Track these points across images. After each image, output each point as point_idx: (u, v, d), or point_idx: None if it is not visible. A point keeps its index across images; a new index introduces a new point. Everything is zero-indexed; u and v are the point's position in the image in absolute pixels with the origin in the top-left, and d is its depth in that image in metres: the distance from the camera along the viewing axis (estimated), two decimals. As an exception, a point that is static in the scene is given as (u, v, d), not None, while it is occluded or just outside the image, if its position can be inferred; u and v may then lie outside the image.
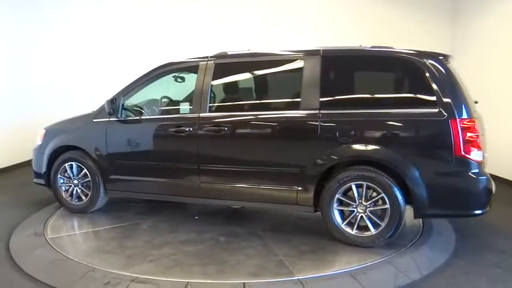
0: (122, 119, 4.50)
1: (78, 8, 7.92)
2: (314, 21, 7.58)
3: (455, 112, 3.45)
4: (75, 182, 4.73)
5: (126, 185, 4.57)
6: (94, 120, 4.62)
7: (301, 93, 3.87)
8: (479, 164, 3.49)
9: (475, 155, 3.45)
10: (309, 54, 3.93)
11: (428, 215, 3.67)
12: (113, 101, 4.40)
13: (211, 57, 4.27)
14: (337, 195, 3.71)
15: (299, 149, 3.83)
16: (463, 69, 5.65)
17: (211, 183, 4.17)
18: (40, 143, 4.95)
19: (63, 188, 4.80)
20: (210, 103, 4.17)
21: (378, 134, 3.65)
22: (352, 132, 3.65)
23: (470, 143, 3.43)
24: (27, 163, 7.21)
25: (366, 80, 3.98)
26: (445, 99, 3.49)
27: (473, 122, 3.47)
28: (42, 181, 4.94)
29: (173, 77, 4.66)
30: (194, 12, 7.77)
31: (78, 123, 4.80)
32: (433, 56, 3.66)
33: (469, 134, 3.43)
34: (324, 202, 3.77)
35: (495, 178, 5.03)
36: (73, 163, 4.71)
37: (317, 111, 3.76)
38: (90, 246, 3.90)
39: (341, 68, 3.91)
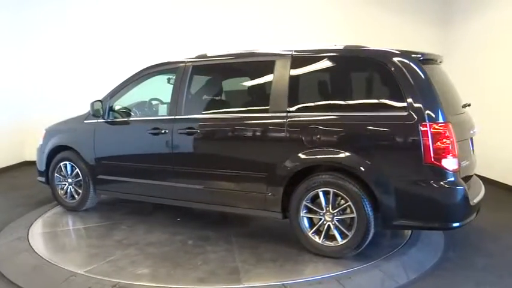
0: (109, 120, 4.60)
1: (72, 10, 7.93)
2: (308, 23, 7.47)
3: (426, 116, 3.17)
4: (69, 180, 4.91)
5: (112, 185, 4.67)
6: (85, 121, 4.77)
7: (270, 95, 3.74)
8: (454, 173, 3.18)
9: (447, 162, 3.15)
10: (280, 55, 3.79)
11: (397, 226, 3.39)
12: (97, 103, 4.50)
13: (189, 59, 4.26)
14: (304, 202, 3.54)
15: (266, 153, 3.70)
16: (455, 72, 5.53)
17: (186, 186, 4.14)
18: (41, 142, 5.19)
19: (59, 186, 4.99)
20: (185, 105, 4.14)
21: (343, 138, 3.44)
22: (318, 137, 3.47)
23: (442, 150, 3.14)
24: (17, 166, 7.67)
25: (333, 81, 3.76)
26: (414, 102, 3.21)
27: (446, 126, 3.16)
28: (43, 179, 5.17)
29: (167, 79, 4.67)
30: (192, 11, 7.75)
31: (72, 124, 4.97)
32: (405, 55, 3.40)
33: (440, 140, 3.13)
34: (291, 209, 3.61)
35: (487, 180, 5.04)
36: (67, 163, 4.89)
37: (284, 114, 3.62)
38: (62, 244, 4.02)
39: (309, 69, 3.73)
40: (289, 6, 7.62)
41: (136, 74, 4.59)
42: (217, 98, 4.40)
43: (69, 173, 4.90)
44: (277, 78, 3.71)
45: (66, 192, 4.96)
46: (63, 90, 7.95)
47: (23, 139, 7.91)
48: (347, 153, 3.38)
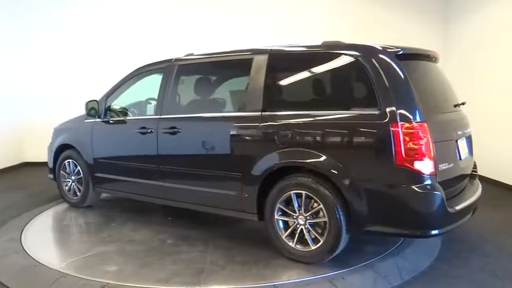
0: (105, 120, 4.71)
1: (69, 10, 7.94)
2: (308, 21, 7.33)
3: (398, 115, 2.95)
4: (73, 178, 5.08)
5: (108, 183, 4.76)
6: (85, 120, 4.91)
7: (247, 94, 3.67)
8: (428, 177, 2.94)
9: (420, 165, 2.92)
10: (259, 52, 3.69)
11: (369, 232, 3.16)
12: (91, 103, 4.63)
13: (175, 59, 4.26)
14: (278, 204, 3.42)
15: (242, 153, 3.63)
16: (455, 71, 5.87)
17: (170, 186, 4.15)
18: (51, 140, 5.41)
19: (64, 183, 5.19)
20: (169, 104, 4.15)
21: (313, 138, 3.29)
22: (289, 137, 3.35)
23: (414, 151, 2.91)
24: (16, 167, 7.79)
25: (307, 79, 3.58)
26: (387, 100, 3.01)
27: (420, 126, 2.93)
28: (52, 176, 5.39)
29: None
30: (191, 11, 7.75)
31: (74, 124, 5.13)
32: (381, 50, 3.19)
33: (412, 141, 2.91)
34: (266, 210, 3.50)
35: (485, 180, 4.98)
36: (70, 161, 5.07)
37: (259, 114, 3.52)
38: (51, 241, 4.14)
39: (284, 67, 3.61)
40: (289, 6, 7.59)
41: (129, 74, 4.67)
42: (197, 97, 4.36)
43: (72, 170, 5.08)
44: (254, 76, 3.62)
45: (69, 189, 5.14)
46: (61, 90, 7.96)
47: (22, 140, 8.03)
48: (318, 154, 3.22)
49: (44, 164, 7.18)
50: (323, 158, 3.20)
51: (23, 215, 4.80)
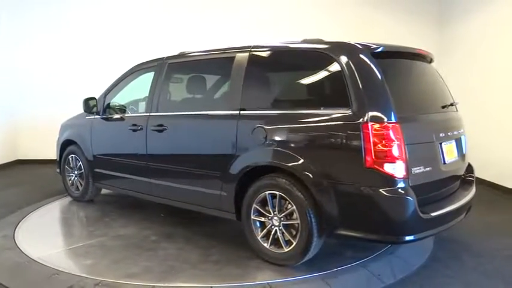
0: (103, 117, 4.81)
1: (69, 9, 7.96)
2: (299, 22, 7.25)
3: (368, 115, 2.83)
4: (75, 172, 5.23)
5: (105, 178, 4.86)
6: (86, 117, 5.04)
7: (227, 92, 3.65)
8: (399, 180, 2.80)
9: (390, 168, 2.78)
10: (241, 51, 3.65)
11: (340, 236, 3.05)
12: (88, 100, 4.74)
13: (167, 57, 4.30)
14: (254, 205, 3.37)
15: (221, 152, 3.60)
16: (450, 72, 5.93)
17: (158, 183, 4.18)
18: (58, 136, 5.59)
19: (68, 177, 5.35)
20: (158, 102, 4.18)
21: (286, 138, 3.22)
22: (264, 135, 3.29)
23: (384, 153, 2.78)
24: (10, 164, 7.81)
25: (284, 77, 3.53)
26: (359, 99, 2.89)
27: (392, 128, 2.79)
28: (58, 170, 5.57)
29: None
30: (191, 10, 7.77)
31: (78, 120, 5.27)
32: (357, 49, 3.07)
33: (382, 142, 2.78)
34: (243, 210, 3.46)
35: (479, 181, 4.80)
36: (73, 155, 5.22)
37: (237, 112, 3.49)
38: (42, 233, 4.19)
39: (262, 65, 3.55)
40: (279, 8, 7.63)
41: (125, 72, 4.76)
42: (183, 95, 4.37)
43: (75, 165, 5.22)
44: (234, 74, 3.60)
45: (72, 184, 5.30)
46: (56, 88, 7.97)
47: (16, 138, 8.07)
48: (290, 154, 3.15)
49: (37, 161, 7.38)
50: (294, 158, 3.12)
51: (16, 212, 4.77)
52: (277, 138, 3.25)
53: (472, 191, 3.61)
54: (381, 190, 2.79)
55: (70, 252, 3.64)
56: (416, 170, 2.92)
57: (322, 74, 3.24)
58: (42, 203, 5.18)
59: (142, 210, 4.83)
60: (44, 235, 4.15)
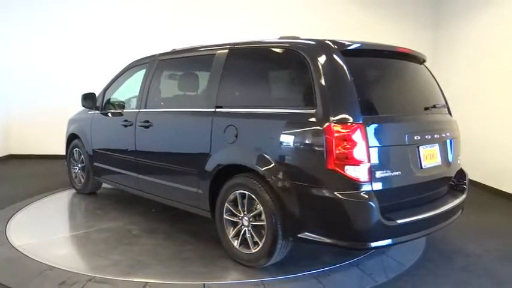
0: (102, 112, 4.91)
1: (61, 5, 7.83)
2: (292, 25, 6.96)
3: (331, 115, 2.72)
4: (79, 166, 5.38)
5: (103, 172, 4.96)
6: (88, 112, 5.17)
7: (207, 89, 3.63)
8: (360, 184, 2.68)
9: (351, 171, 2.67)
10: (221, 48, 3.63)
11: (303, 239, 2.93)
12: (87, 95, 4.85)
13: (159, 54, 4.34)
14: (226, 203, 3.33)
15: (198, 150, 3.57)
16: (445, 74, 6.08)
17: (144, 178, 4.23)
18: (66, 129, 5.74)
19: (73, 170, 5.51)
20: (146, 99, 4.23)
21: (254, 137, 3.17)
22: (235, 134, 3.24)
23: (345, 155, 2.67)
24: (3, 159, 7.74)
25: (255, 75, 3.44)
26: (323, 99, 2.79)
27: (355, 129, 2.67)
28: (66, 163, 5.74)
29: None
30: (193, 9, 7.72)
31: (81, 114, 5.41)
32: (325, 46, 2.97)
33: (344, 143, 2.67)
34: (216, 209, 3.43)
35: (471, 183, 4.76)
36: (77, 149, 5.37)
37: (213, 110, 3.46)
38: (34, 227, 4.20)
39: (237, 62, 3.49)
40: (270, 11, 7.61)
41: (123, 68, 4.85)
42: (168, 92, 4.38)
43: (78, 159, 5.38)
44: (213, 72, 3.57)
45: (76, 176, 5.46)
46: (49, 84, 7.88)
47: (8, 133, 7.97)
48: (257, 154, 3.09)
49: (31, 156, 7.54)
50: (261, 158, 3.06)
51: (8, 207, 4.71)
52: (246, 137, 3.20)
53: (460, 198, 3.42)
54: (341, 193, 2.68)
55: (51, 242, 3.73)
56: (382, 173, 2.77)
57: (291, 72, 3.18)
58: (35, 198, 5.13)
59: (137, 205, 4.88)
60: (35, 229, 4.15)
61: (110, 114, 4.81)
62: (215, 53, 3.63)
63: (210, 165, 3.42)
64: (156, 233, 3.97)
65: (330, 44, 2.96)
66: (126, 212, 4.62)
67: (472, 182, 5.32)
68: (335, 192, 2.70)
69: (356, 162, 2.66)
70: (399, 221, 2.78)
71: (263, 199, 3.03)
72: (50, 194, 5.38)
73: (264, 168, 3.02)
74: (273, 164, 2.98)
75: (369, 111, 2.79)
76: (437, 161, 3.23)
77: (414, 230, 2.94)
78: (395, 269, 3.32)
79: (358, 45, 3.01)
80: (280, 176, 2.93)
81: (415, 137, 3.01)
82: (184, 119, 3.79)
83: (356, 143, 2.66)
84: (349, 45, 2.97)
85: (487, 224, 4.65)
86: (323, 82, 2.81)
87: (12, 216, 4.42)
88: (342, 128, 2.68)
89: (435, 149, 3.22)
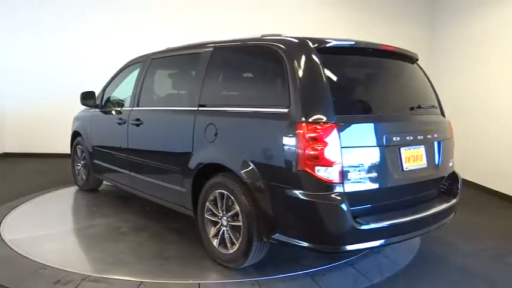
0: (102, 110, 4.95)
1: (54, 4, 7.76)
2: (288, 26, 6.75)
3: (303, 115, 2.65)
4: (81, 162, 5.48)
5: (101, 170, 5.01)
6: (90, 110, 5.24)
7: (191, 87, 3.62)
8: (331, 185, 2.59)
9: (321, 171, 2.58)
10: (206, 47, 3.60)
11: (276, 241, 2.86)
12: (85, 94, 4.91)
13: (153, 53, 4.36)
14: (207, 203, 3.30)
15: (181, 148, 3.57)
16: (439, 75, 6.38)
17: (135, 175, 4.26)
18: (71, 127, 5.86)
19: (76, 167, 5.61)
20: (139, 97, 4.25)
21: (232, 135, 3.14)
22: (214, 133, 3.21)
23: (316, 156, 2.58)
24: None
25: (235, 73, 3.41)
26: (296, 98, 2.71)
27: (326, 129, 2.59)
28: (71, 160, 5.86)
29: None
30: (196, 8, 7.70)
31: (84, 112, 5.48)
32: (299, 44, 2.90)
33: (315, 144, 2.59)
34: (198, 208, 3.41)
35: (466, 183, 5.11)
36: (79, 146, 5.47)
37: (196, 109, 3.44)
38: (27, 223, 4.24)
39: (219, 61, 3.45)
40: (269, 13, 7.60)
41: (121, 67, 4.90)
42: (157, 90, 4.39)
43: (81, 155, 5.46)
44: (198, 70, 3.56)
45: (78, 173, 5.56)
46: (42, 82, 7.78)
47: (2, 131, 7.89)
48: (233, 153, 3.06)
49: (24, 155, 7.58)
50: (237, 157, 3.02)
51: (2, 206, 4.67)
52: (225, 136, 3.17)
53: (450, 203, 3.28)
54: (311, 195, 2.61)
55: (39, 237, 3.76)
56: (356, 175, 2.67)
57: (268, 70, 3.11)
58: (28, 197, 5.05)
59: (132, 203, 4.91)
60: (29, 227, 4.09)
61: (107, 113, 4.86)
62: (201, 51, 3.61)
63: (192, 164, 3.40)
64: (144, 231, 3.98)
65: (306, 41, 2.88)
66: (119, 210, 4.66)
67: (468, 182, 5.77)
68: (305, 194, 2.63)
69: (327, 163, 2.57)
70: (373, 225, 2.68)
71: (239, 199, 2.99)
72: (46, 192, 5.36)
73: (239, 168, 2.98)
74: (248, 164, 2.93)
75: (343, 111, 2.69)
76: (422, 163, 3.10)
77: (392, 233, 2.83)
78: (390, 269, 3.33)
79: (336, 42, 2.92)
80: (255, 176, 2.88)
81: (395, 138, 2.89)
82: (170, 117, 3.79)
83: (327, 143, 2.57)
84: (327, 42, 2.88)
85: (482, 224, 4.67)
86: (296, 80, 2.74)
87: (6, 215, 4.38)
88: (312, 128, 2.60)
89: (420, 150, 3.09)
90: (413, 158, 3.03)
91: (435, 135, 3.23)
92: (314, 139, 2.59)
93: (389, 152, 2.85)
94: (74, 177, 5.64)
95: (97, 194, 5.37)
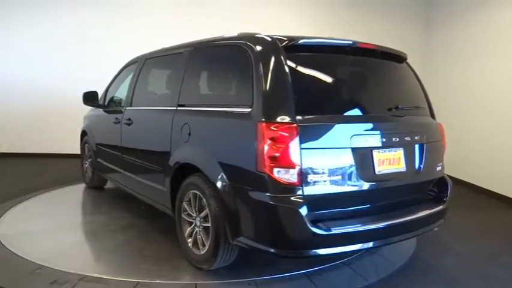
0: (104, 110, 4.98)
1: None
2: (285, 26, 6.57)
3: (263, 115, 2.58)
4: (88, 160, 5.57)
5: (104, 168, 5.08)
6: (95, 109, 5.31)
7: (172, 87, 3.64)
8: (289, 188, 2.51)
9: (279, 173, 2.51)
10: (187, 46, 3.61)
11: (240, 244, 2.79)
12: (88, 93, 4.94)
13: (147, 53, 4.40)
14: (183, 202, 3.28)
15: (162, 147, 3.56)
16: (435, 75, 6.68)
17: (128, 174, 4.31)
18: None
19: (84, 164, 5.71)
20: (131, 97, 4.31)
21: (202, 135, 3.13)
22: (188, 133, 3.21)
23: (274, 157, 2.51)
24: None
25: (209, 73, 3.41)
26: (257, 97, 2.65)
27: (285, 129, 2.51)
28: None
29: None
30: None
31: (91, 112, 5.54)
32: (265, 41, 2.83)
33: (273, 145, 2.51)
34: (176, 207, 3.39)
35: (462, 183, 5.57)
36: (87, 145, 5.57)
37: (174, 108, 3.45)
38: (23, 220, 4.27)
39: (196, 61, 3.44)
40: (266, 11, 7.58)
41: (121, 68, 4.97)
42: (148, 90, 4.40)
43: (88, 154, 5.56)
44: (179, 70, 3.56)
45: (86, 171, 5.66)
46: (37, 81, 7.82)
47: None
48: (203, 153, 3.05)
49: (16, 155, 7.64)
50: (205, 157, 3.00)
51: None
52: (197, 136, 3.15)
53: (435, 209, 3.11)
54: (269, 197, 2.53)
55: (36, 238, 3.77)
56: (317, 178, 2.56)
57: (237, 69, 3.05)
58: (25, 197, 5.06)
59: (132, 201, 4.88)
60: (28, 231, 4.01)
61: (108, 112, 4.92)
62: (183, 51, 3.62)
63: (170, 163, 3.40)
64: (131, 229, 4.01)
65: (274, 39, 2.81)
66: (115, 207, 4.73)
67: (463, 182, 6.05)
68: (264, 196, 2.56)
69: (285, 165, 2.49)
70: (336, 230, 2.57)
71: (209, 200, 2.94)
72: (44, 191, 5.39)
73: (208, 169, 2.95)
74: (216, 165, 2.89)
75: (308, 112, 2.61)
76: (400, 166, 2.94)
77: (360, 240, 2.71)
78: (386, 269, 3.34)
79: (307, 40, 2.84)
80: (221, 177, 2.84)
81: (366, 140, 2.75)
82: (153, 116, 3.83)
83: (286, 144, 2.49)
84: (296, 40, 2.79)
85: (477, 223, 4.71)
86: (260, 79, 2.67)
87: (2, 215, 4.38)
88: (272, 128, 2.53)
89: (398, 153, 2.93)
90: (389, 161, 2.87)
91: (417, 138, 3.06)
92: (273, 140, 2.51)
93: (358, 155, 2.71)
94: (82, 174, 5.75)
95: (101, 192, 5.46)
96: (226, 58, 3.20)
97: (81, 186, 5.68)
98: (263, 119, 2.57)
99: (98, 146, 5.11)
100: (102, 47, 7.72)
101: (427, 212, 3.06)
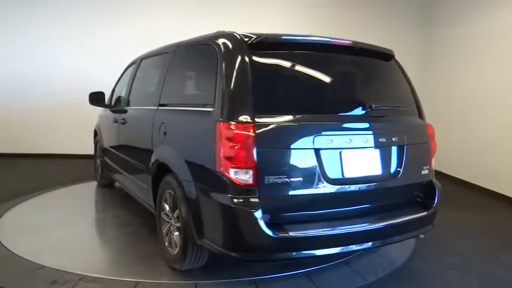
0: (110, 110, 5.02)
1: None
2: (282, 26, 6.62)
3: (221, 114, 2.54)
4: (99, 159, 5.66)
5: (109, 167, 5.14)
6: (104, 109, 5.36)
7: (156, 87, 3.66)
8: (245, 189, 2.45)
9: (235, 174, 2.45)
10: (171, 47, 3.64)
11: (205, 245, 2.74)
12: (94, 94, 5.00)
13: (144, 54, 4.45)
14: (162, 201, 3.27)
15: (144, 146, 3.59)
16: (432, 75, 6.66)
17: (124, 173, 4.36)
18: None
19: (96, 163, 5.82)
20: (128, 96, 4.38)
21: (174, 135, 3.13)
22: (164, 132, 3.21)
23: (230, 157, 2.46)
24: None
25: (185, 72, 3.43)
26: (218, 96, 2.62)
27: (242, 128, 2.45)
28: None
29: None
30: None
31: (102, 111, 5.55)
32: (231, 39, 2.78)
33: (230, 145, 2.46)
34: (156, 207, 3.39)
35: (459, 182, 5.50)
36: (97, 144, 5.67)
37: (156, 108, 3.47)
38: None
39: (177, 61, 3.45)
40: (262, 13, 7.57)
41: (125, 68, 5.02)
42: (139, 90, 4.37)
43: (98, 153, 5.67)
44: (163, 70, 3.59)
45: (97, 169, 5.77)
46: (33, 81, 7.81)
47: None
48: (173, 153, 3.05)
49: (16, 155, 7.73)
50: (176, 157, 3.00)
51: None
52: (171, 135, 3.15)
53: (416, 215, 2.94)
54: (225, 198, 2.48)
55: (36, 237, 3.78)
56: (276, 179, 2.47)
57: (205, 68, 2.98)
58: (24, 197, 5.05)
59: (133, 200, 4.78)
60: (28, 231, 4.00)
61: (111, 112, 4.98)
62: (167, 51, 3.65)
63: (151, 162, 3.40)
64: (127, 227, 4.05)
65: (240, 37, 2.75)
66: (118, 205, 4.81)
67: (463, 181, 6.05)
68: (221, 197, 2.51)
69: (241, 165, 2.43)
70: (292, 234, 2.47)
71: (179, 200, 2.92)
72: (44, 191, 5.40)
73: (177, 168, 2.94)
74: (183, 164, 2.87)
75: (267, 111, 2.54)
76: (373, 169, 2.79)
77: (324, 245, 2.61)
78: (385, 268, 3.35)
79: (275, 38, 2.76)
80: (187, 176, 2.81)
81: (333, 141, 2.62)
82: (140, 116, 3.88)
83: (242, 144, 2.43)
84: (264, 38, 2.71)
85: (476, 223, 4.68)
86: (222, 78, 2.64)
87: (2, 215, 4.39)
88: (229, 128, 2.47)
89: (371, 155, 2.79)
90: (361, 164, 2.74)
91: (394, 139, 2.88)
92: (229, 139, 2.46)
93: (324, 156, 2.59)
94: (95, 172, 5.87)
95: (110, 189, 5.55)
96: (199, 57, 3.18)
97: (82, 186, 5.76)
98: (221, 119, 2.53)
99: (105, 145, 5.21)
100: (102, 47, 7.77)
101: (408, 217, 2.90)
